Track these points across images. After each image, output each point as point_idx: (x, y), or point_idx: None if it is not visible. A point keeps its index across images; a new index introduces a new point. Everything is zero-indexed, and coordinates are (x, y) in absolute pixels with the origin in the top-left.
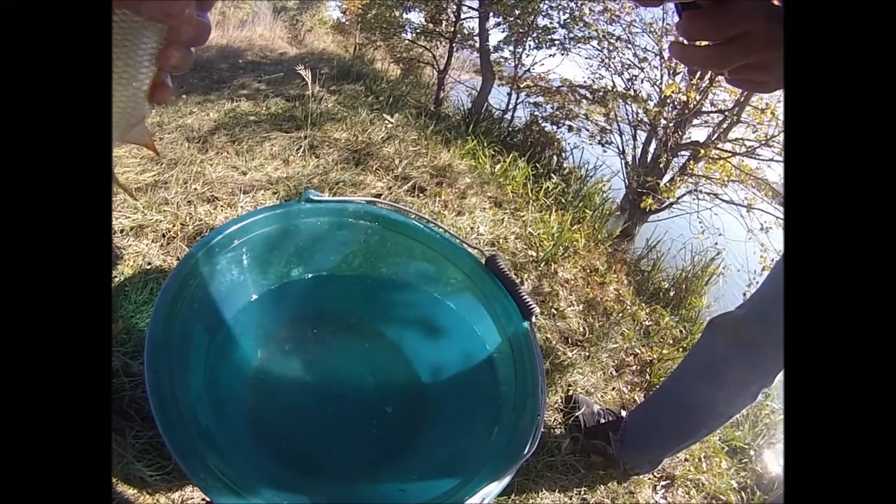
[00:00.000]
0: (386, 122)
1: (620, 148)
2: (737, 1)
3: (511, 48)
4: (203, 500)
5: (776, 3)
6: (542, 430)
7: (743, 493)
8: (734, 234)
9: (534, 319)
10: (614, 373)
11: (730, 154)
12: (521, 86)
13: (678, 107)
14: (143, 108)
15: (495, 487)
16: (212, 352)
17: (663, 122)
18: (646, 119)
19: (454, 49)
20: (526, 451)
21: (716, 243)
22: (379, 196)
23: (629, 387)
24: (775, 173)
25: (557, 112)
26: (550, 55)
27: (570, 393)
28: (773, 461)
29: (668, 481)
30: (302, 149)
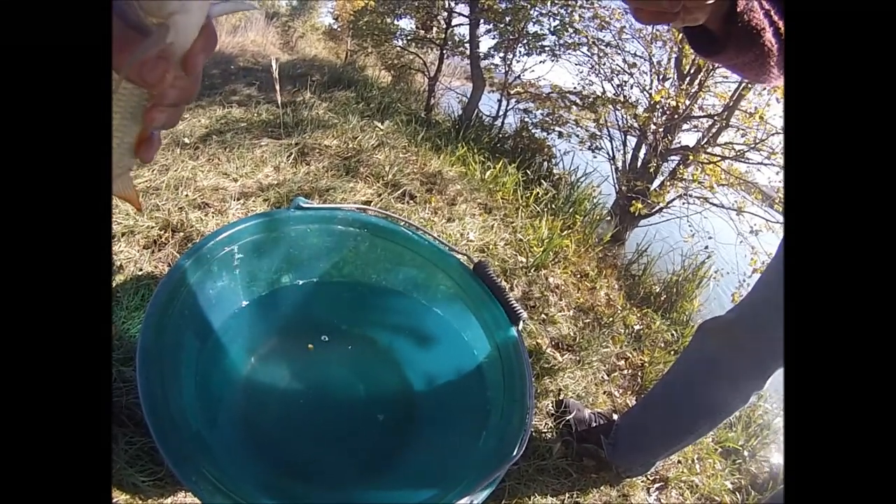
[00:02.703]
0: (376, 128)
1: (610, 153)
2: None
3: (501, 55)
4: None
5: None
6: (534, 434)
7: (737, 494)
8: (724, 238)
9: (521, 325)
10: (605, 377)
11: (719, 158)
12: (512, 92)
13: (668, 112)
14: (129, 160)
15: (483, 491)
16: (203, 358)
17: (653, 127)
18: (635, 124)
19: (445, 56)
20: (514, 454)
21: (706, 247)
22: (369, 203)
23: (620, 391)
24: (764, 177)
25: (547, 118)
26: (541, 62)
27: (560, 397)
28: (767, 462)
29: (661, 483)
30: (292, 155)
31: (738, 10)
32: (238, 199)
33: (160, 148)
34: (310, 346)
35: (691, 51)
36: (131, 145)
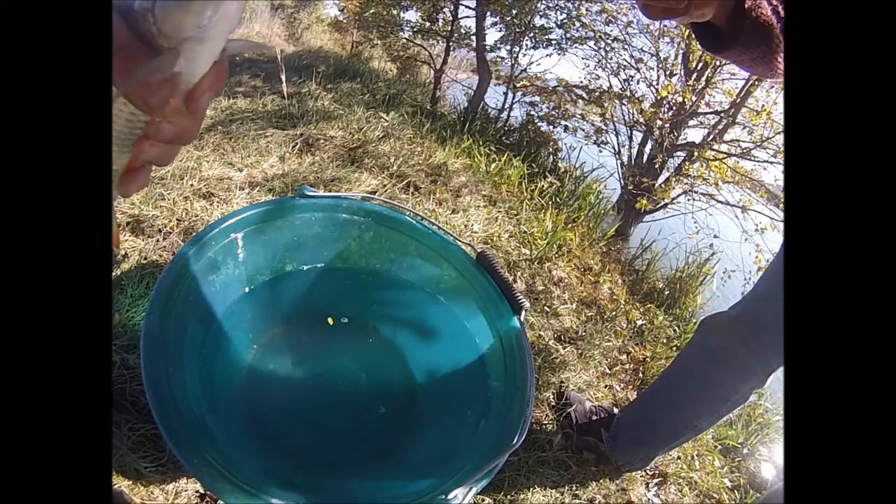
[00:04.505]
0: (382, 120)
1: (616, 148)
2: None
3: (508, 47)
4: (197, 492)
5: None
6: (534, 426)
7: (736, 493)
8: (729, 235)
9: (524, 315)
10: (607, 371)
11: (725, 155)
12: (518, 85)
13: (674, 108)
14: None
15: (483, 479)
16: (207, 345)
17: (659, 122)
18: (641, 120)
19: (451, 48)
20: (514, 442)
21: (711, 244)
22: (374, 193)
23: (622, 385)
24: (770, 175)
25: (553, 112)
26: (547, 55)
27: (562, 390)
28: (766, 460)
29: (660, 479)
30: (297, 146)
31: (746, 6)
32: (243, 189)
33: (145, 187)
34: (329, 319)
35: (699, 46)
36: (116, 174)
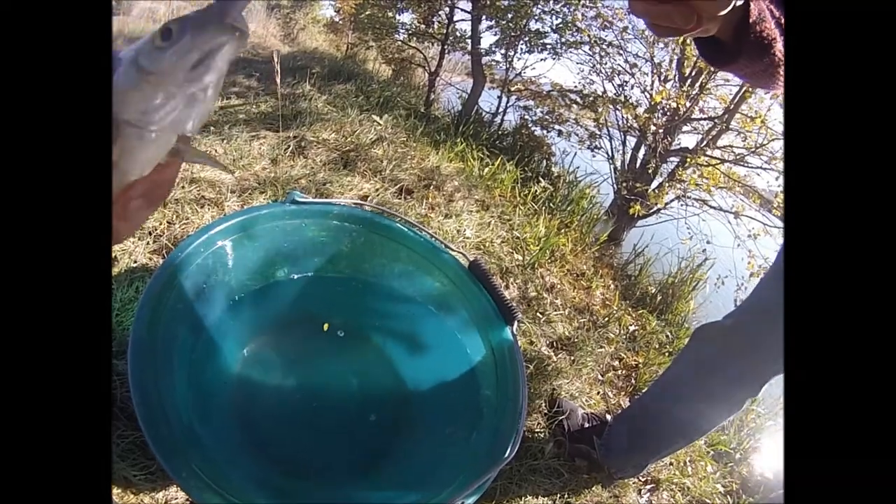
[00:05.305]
0: (375, 123)
1: (610, 153)
2: None
3: (503, 51)
4: (187, 500)
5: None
6: (527, 434)
7: (728, 498)
8: (722, 241)
9: (516, 325)
10: (600, 377)
11: (719, 161)
12: (512, 89)
13: (668, 113)
14: None
15: (474, 493)
16: (196, 352)
17: (653, 128)
18: (635, 125)
19: (446, 51)
20: (507, 455)
21: (703, 250)
22: (366, 198)
23: (614, 391)
24: (763, 181)
25: (547, 116)
26: (542, 59)
27: (554, 397)
28: (758, 465)
29: (653, 485)
30: (290, 148)
31: (751, 20)
32: (234, 192)
33: None
34: (325, 325)
35: (696, 54)
36: None
